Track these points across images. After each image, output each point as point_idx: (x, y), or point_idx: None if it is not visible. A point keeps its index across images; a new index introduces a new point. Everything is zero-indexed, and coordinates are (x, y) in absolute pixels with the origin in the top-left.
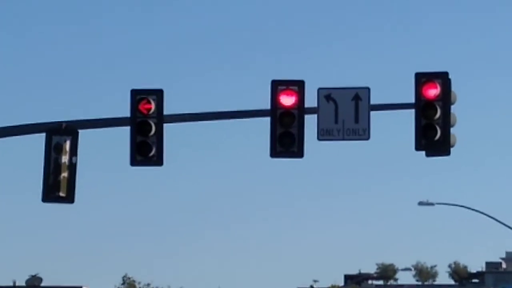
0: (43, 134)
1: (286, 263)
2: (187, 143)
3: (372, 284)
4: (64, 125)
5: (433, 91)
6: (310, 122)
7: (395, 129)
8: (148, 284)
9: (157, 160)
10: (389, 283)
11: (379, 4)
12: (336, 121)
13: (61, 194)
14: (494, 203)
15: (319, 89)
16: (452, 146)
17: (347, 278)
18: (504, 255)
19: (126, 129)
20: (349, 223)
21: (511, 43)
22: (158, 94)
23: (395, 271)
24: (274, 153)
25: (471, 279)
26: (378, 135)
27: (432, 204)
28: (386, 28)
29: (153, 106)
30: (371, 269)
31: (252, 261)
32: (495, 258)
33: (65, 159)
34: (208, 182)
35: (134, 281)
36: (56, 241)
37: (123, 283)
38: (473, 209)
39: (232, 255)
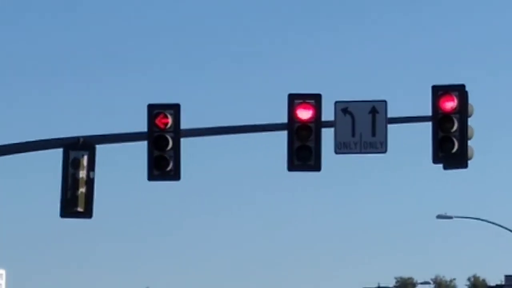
0: (61, 149)
1: (301, 276)
2: (204, 157)
3: None
4: (81, 140)
5: (450, 104)
6: (327, 136)
7: (412, 142)
8: None
9: (175, 175)
10: None
11: (395, 16)
12: (353, 135)
13: (79, 209)
14: None
15: (336, 102)
16: (470, 159)
17: None
18: None
19: (143, 144)
20: (366, 235)
21: None
22: (175, 109)
23: (414, 284)
24: (292, 167)
25: None
26: (395, 148)
27: (450, 217)
28: (403, 40)
29: (170, 120)
30: (390, 283)
31: (263, 271)
32: None
33: (82, 174)
34: (226, 196)
35: None
36: (74, 255)
37: None
38: (491, 222)
39: (246, 265)
